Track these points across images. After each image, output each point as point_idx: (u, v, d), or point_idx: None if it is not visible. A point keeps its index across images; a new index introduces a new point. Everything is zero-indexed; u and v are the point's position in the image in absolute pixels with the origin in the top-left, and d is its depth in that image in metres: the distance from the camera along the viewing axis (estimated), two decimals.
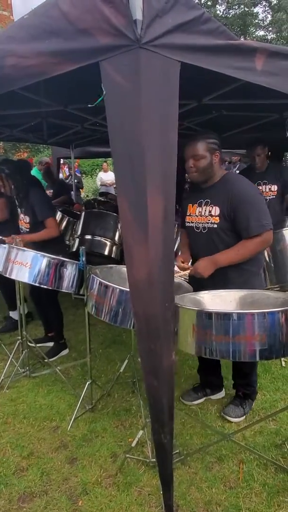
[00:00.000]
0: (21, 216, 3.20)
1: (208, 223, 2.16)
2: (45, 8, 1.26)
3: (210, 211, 2.15)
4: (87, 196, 12.15)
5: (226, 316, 1.61)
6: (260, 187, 3.46)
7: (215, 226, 2.13)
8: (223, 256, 2.08)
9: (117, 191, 1.31)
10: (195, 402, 2.61)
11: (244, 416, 2.43)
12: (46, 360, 3.03)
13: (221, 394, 2.67)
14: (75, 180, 9.53)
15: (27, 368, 2.98)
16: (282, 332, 1.60)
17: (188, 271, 2.15)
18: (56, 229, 3.14)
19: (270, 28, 19.89)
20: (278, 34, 17.46)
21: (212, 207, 2.14)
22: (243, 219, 2.04)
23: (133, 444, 2.12)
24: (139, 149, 1.22)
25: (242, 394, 2.49)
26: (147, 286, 1.31)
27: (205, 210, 2.18)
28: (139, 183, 1.24)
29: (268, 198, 3.45)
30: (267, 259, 2.75)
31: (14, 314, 3.81)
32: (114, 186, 11.06)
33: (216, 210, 2.12)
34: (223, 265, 2.07)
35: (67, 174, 9.94)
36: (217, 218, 2.12)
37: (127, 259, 1.35)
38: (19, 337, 3.00)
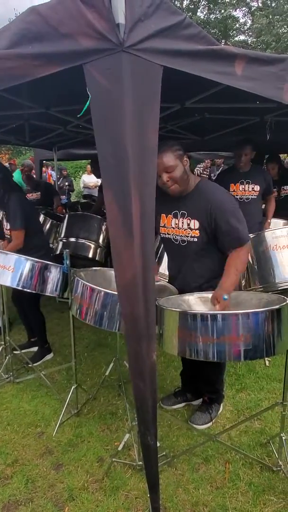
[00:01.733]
0: (4, 221, 3.16)
1: (187, 236, 2.09)
2: (26, 15, 1.25)
3: (188, 224, 2.07)
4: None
5: (210, 317, 1.62)
6: (243, 186, 3.49)
7: (195, 239, 2.07)
8: (228, 282, 1.97)
9: (104, 193, 1.30)
10: (174, 407, 2.60)
11: (211, 423, 2.40)
12: (30, 365, 2.99)
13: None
14: (66, 183, 9.46)
15: (11, 373, 2.94)
16: (266, 332, 1.63)
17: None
18: (21, 242, 3.00)
19: (250, 33, 20.29)
20: (258, 38, 17.81)
21: (190, 220, 2.06)
22: (227, 231, 2.00)
23: (120, 448, 2.11)
24: (124, 151, 1.22)
25: (208, 399, 2.47)
26: (133, 288, 1.32)
27: (183, 223, 2.09)
28: (125, 186, 1.25)
29: (250, 197, 3.50)
30: (251, 260, 2.78)
31: None
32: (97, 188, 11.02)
33: (195, 224, 2.04)
34: (233, 290, 2.00)
35: (53, 178, 9.82)
36: (197, 231, 2.05)
37: (116, 261, 1.35)
38: (2, 343, 2.95)
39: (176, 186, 2.01)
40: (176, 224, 2.13)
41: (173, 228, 2.15)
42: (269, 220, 3.75)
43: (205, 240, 2.07)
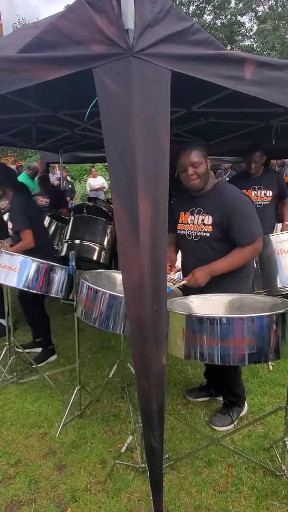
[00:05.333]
0: (8, 221, 3.19)
1: (201, 231, 2.21)
2: (40, 26, 1.28)
3: (203, 220, 2.20)
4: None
5: (215, 320, 1.63)
6: (255, 192, 3.44)
7: (208, 234, 2.18)
8: (218, 265, 2.13)
9: (112, 195, 1.32)
10: (198, 399, 2.68)
11: (232, 425, 2.41)
12: (34, 366, 3.00)
13: None
14: (69, 186, 9.52)
15: (15, 374, 2.95)
16: (270, 336, 1.63)
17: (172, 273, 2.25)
18: (31, 241, 3.00)
19: (256, 38, 20.37)
20: (264, 44, 17.88)
21: (205, 216, 2.19)
22: (236, 228, 2.11)
23: (123, 450, 2.11)
24: (132, 155, 1.24)
25: (227, 401, 2.49)
26: (139, 289, 1.33)
27: (198, 219, 2.22)
28: (132, 189, 1.26)
29: (262, 203, 3.44)
30: (255, 264, 2.79)
31: (3, 321, 3.78)
32: (104, 190, 11.10)
33: (209, 219, 2.17)
34: (218, 274, 2.13)
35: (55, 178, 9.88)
36: (210, 227, 2.17)
37: (122, 262, 1.37)
38: (7, 343, 2.97)
39: (198, 181, 2.17)
40: (192, 220, 2.26)
41: (189, 224, 2.28)
42: (286, 222, 3.68)
43: (217, 236, 2.17)
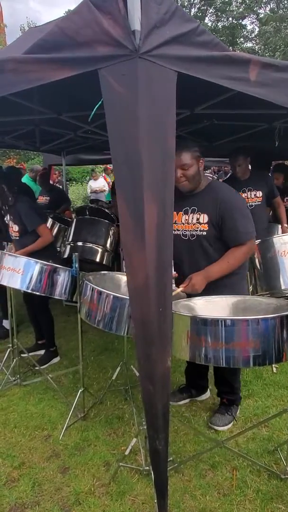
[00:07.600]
0: (10, 223, 3.19)
1: (196, 230, 2.19)
2: (46, 29, 1.29)
3: (198, 219, 2.18)
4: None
5: (220, 322, 1.62)
6: (245, 194, 3.52)
7: (204, 233, 2.17)
8: (215, 269, 2.10)
9: (117, 197, 1.32)
10: (181, 403, 2.66)
11: (232, 423, 2.44)
12: (37, 368, 2.99)
13: (207, 395, 2.72)
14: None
15: (18, 376, 2.94)
16: (275, 338, 1.62)
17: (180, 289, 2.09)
18: (49, 235, 3.16)
19: (258, 40, 20.42)
20: (265, 46, 17.93)
21: (200, 215, 2.17)
22: (231, 227, 2.10)
23: (126, 452, 2.10)
24: (137, 156, 1.24)
25: (226, 401, 2.50)
26: (144, 291, 1.32)
27: (193, 218, 2.20)
28: (138, 190, 1.26)
29: (254, 204, 3.52)
30: (258, 266, 2.78)
31: (6, 323, 3.78)
32: (104, 192, 11.11)
33: (204, 218, 2.15)
34: (215, 278, 2.09)
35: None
36: (206, 225, 2.15)
37: (127, 264, 1.37)
38: (10, 345, 2.96)
39: (187, 183, 2.15)
40: (186, 220, 2.23)
41: (183, 224, 2.24)
42: (285, 225, 3.73)
43: (214, 234, 2.15)
